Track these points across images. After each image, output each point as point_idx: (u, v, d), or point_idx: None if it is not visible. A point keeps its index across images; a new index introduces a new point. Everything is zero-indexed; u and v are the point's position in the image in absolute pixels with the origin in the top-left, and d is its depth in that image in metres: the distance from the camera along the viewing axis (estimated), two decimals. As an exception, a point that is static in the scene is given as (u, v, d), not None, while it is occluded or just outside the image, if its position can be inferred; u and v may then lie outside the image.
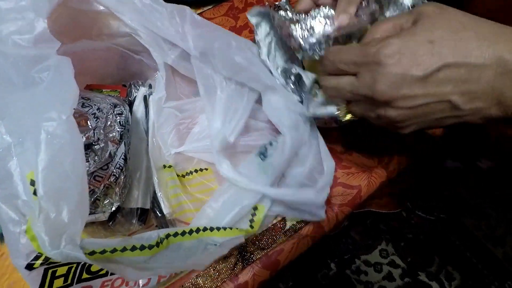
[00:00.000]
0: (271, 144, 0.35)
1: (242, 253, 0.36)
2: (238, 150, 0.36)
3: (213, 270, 0.36)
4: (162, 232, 0.28)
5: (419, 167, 0.49)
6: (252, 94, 0.36)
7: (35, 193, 0.21)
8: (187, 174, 0.39)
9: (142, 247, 0.25)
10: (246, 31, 0.54)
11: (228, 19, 0.55)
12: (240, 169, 0.32)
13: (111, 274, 0.28)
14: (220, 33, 0.36)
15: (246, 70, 0.34)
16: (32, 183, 0.21)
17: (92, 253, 0.23)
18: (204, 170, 0.39)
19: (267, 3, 0.49)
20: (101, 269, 0.27)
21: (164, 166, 0.37)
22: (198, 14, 0.44)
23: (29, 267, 0.22)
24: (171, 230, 0.28)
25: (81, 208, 0.22)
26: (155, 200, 0.36)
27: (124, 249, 0.25)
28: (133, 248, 0.25)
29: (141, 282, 0.31)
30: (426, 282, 1.10)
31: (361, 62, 0.25)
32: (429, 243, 1.15)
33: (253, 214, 0.33)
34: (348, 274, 1.15)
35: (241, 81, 0.35)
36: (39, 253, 0.22)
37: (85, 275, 0.26)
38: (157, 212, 0.35)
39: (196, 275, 0.36)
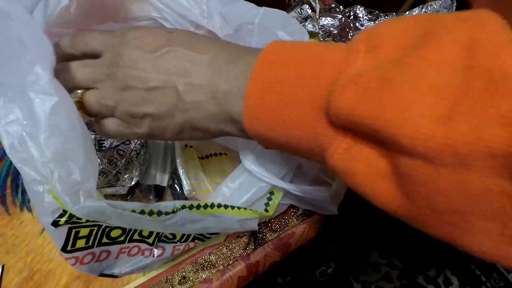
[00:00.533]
0: None
1: (254, 234, 0.37)
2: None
3: (226, 248, 0.37)
4: (178, 203, 0.28)
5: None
6: None
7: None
8: (206, 156, 0.40)
9: (159, 213, 0.26)
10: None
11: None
12: (267, 155, 0.32)
13: (129, 241, 0.29)
14: (256, 9, 0.34)
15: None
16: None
17: None
18: (223, 155, 0.40)
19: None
20: (120, 236, 0.28)
21: (186, 146, 0.38)
22: None
23: (55, 224, 0.23)
24: (186, 202, 0.29)
25: (90, 166, 0.23)
26: (175, 177, 0.37)
27: (142, 212, 0.25)
28: (151, 213, 0.26)
29: (156, 252, 0.32)
30: (424, 285, 1.11)
31: (106, 39, 0.25)
32: (428, 246, 1.16)
33: (269, 198, 0.33)
34: (346, 272, 1.16)
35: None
36: (63, 210, 0.23)
37: (105, 240, 0.27)
38: (177, 189, 0.36)
39: (209, 252, 0.37)
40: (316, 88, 0.18)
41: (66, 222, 0.23)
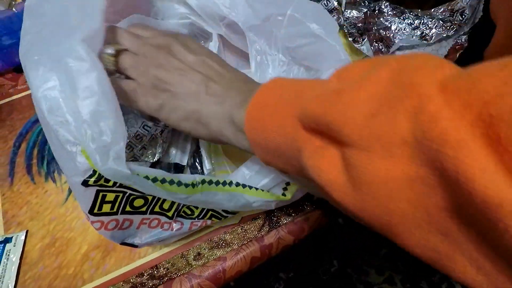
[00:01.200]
0: None
1: (269, 216, 0.38)
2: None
3: (241, 229, 0.38)
4: (199, 177, 0.29)
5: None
6: (306, 75, 0.37)
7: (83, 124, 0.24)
8: None
9: (179, 183, 0.27)
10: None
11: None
12: None
13: (150, 213, 0.30)
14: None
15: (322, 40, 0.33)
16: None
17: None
18: None
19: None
20: (142, 206, 0.29)
21: None
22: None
23: (85, 183, 0.24)
24: (206, 177, 0.30)
25: (120, 129, 0.25)
26: (196, 156, 0.38)
27: (163, 180, 0.27)
28: (171, 182, 0.27)
29: (174, 226, 0.33)
30: (427, 290, 1.10)
31: (161, 33, 0.31)
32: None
33: (287, 183, 0.34)
34: (349, 272, 1.16)
35: (310, 56, 0.35)
36: (93, 171, 0.24)
37: (128, 208, 0.28)
38: (197, 168, 0.37)
39: (224, 232, 0.38)
40: (295, 100, 0.23)
41: (95, 182, 0.25)
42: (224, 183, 0.31)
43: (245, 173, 0.33)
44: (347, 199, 0.19)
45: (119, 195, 0.27)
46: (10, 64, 0.50)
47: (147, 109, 0.28)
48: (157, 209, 0.31)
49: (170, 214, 0.31)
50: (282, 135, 0.23)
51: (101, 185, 0.25)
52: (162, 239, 0.33)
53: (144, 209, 0.30)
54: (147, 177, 0.25)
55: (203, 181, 0.29)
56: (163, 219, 0.32)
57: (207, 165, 0.36)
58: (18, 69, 0.51)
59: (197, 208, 0.32)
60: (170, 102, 0.28)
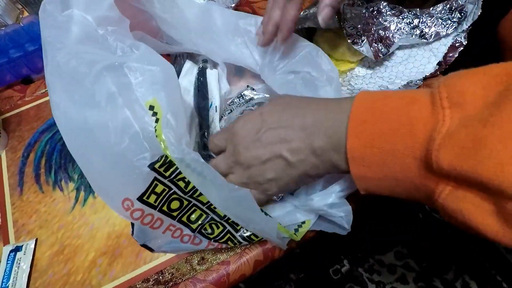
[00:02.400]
0: None
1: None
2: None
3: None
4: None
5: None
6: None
7: (153, 115, 0.27)
8: None
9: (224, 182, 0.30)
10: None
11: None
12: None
13: (178, 220, 0.32)
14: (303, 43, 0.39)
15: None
16: (151, 108, 0.27)
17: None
18: None
19: None
20: (176, 210, 0.31)
21: None
22: None
23: (151, 165, 0.26)
24: None
25: (186, 128, 0.28)
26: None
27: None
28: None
29: (193, 240, 0.34)
30: (441, 288, 1.09)
31: (225, 137, 0.34)
32: (446, 249, 1.13)
33: (300, 226, 0.36)
34: (360, 272, 1.15)
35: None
36: (160, 157, 0.26)
37: (165, 208, 0.30)
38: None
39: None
40: (413, 144, 0.21)
41: (159, 168, 0.27)
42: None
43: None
44: (504, 239, 0.19)
45: (165, 189, 0.29)
46: (18, 76, 0.51)
47: (274, 196, 0.35)
48: (184, 218, 0.32)
49: (194, 226, 0.33)
50: (400, 176, 0.23)
51: (160, 173, 0.27)
52: (177, 250, 0.35)
53: (175, 213, 0.31)
54: (205, 168, 0.28)
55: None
56: (186, 230, 0.33)
57: None
58: (26, 81, 0.52)
59: (218, 227, 0.33)
60: (281, 185, 0.31)
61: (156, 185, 0.28)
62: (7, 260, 0.38)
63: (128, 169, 0.27)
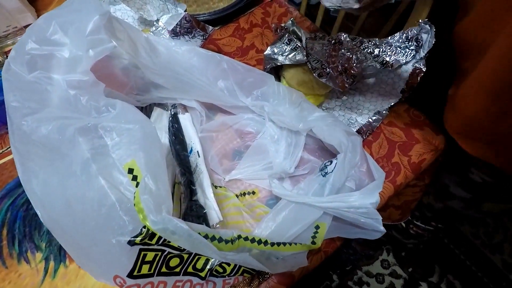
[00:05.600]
0: (330, 162, 0.36)
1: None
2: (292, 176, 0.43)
3: (230, 287, 0.37)
4: (236, 232, 0.30)
5: (427, 181, 0.51)
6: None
7: (133, 179, 0.25)
8: (240, 195, 0.42)
9: (220, 239, 0.28)
10: (252, 51, 0.56)
11: (235, 39, 0.57)
12: (301, 185, 0.35)
13: (183, 274, 0.30)
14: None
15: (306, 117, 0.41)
16: (130, 171, 0.25)
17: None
18: (251, 194, 0.43)
19: (273, 24, 0.52)
20: (177, 266, 0.29)
21: (216, 187, 0.40)
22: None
23: (131, 242, 0.25)
24: (242, 233, 0.30)
25: (168, 189, 0.27)
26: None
27: (206, 236, 0.27)
28: (213, 238, 0.28)
29: (207, 287, 0.32)
30: (428, 291, 1.11)
31: None
32: (429, 252, 1.16)
33: (315, 232, 0.34)
34: (350, 285, 1.15)
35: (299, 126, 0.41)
36: (142, 228, 0.25)
37: (164, 269, 0.28)
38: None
39: (213, 291, 0.36)
40: None
41: (141, 241, 0.25)
42: (259, 242, 0.31)
43: (270, 224, 0.33)
44: None
45: (158, 254, 0.27)
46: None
47: None
48: (190, 269, 0.30)
49: (203, 274, 0.31)
50: None
51: (144, 244, 0.25)
52: None
53: (178, 269, 0.29)
54: (192, 232, 0.26)
55: (239, 236, 0.30)
56: (196, 280, 0.31)
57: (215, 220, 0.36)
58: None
59: (229, 265, 0.31)
60: None
61: (145, 255, 0.26)
62: None
63: (109, 247, 0.25)
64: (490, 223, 1.21)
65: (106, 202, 0.24)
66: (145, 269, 0.26)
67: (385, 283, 1.14)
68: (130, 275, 0.26)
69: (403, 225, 0.86)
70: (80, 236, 0.25)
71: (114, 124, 0.26)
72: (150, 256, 0.26)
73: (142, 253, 0.26)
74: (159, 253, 0.27)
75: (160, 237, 0.25)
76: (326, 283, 1.15)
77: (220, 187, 0.42)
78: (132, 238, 0.24)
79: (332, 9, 0.45)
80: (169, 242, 0.26)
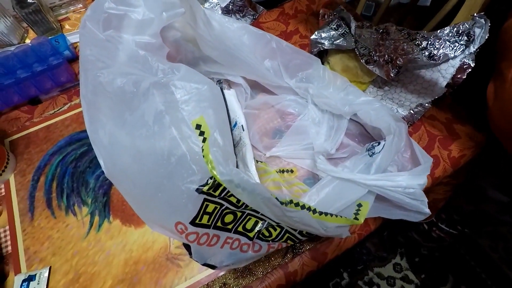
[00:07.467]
0: (378, 143, 0.36)
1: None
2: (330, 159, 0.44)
3: (265, 257, 0.38)
4: (288, 196, 0.31)
5: (460, 180, 0.51)
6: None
7: (200, 134, 0.26)
8: (279, 172, 0.43)
9: (276, 199, 0.29)
10: (296, 36, 0.57)
11: (279, 23, 0.58)
12: (346, 164, 0.35)
13: (234, 232, 0.31)
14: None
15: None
16: (198, 126, 0.26)
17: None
18: (290, 172, 0.43)
19: (321, 10, 0.52)
20: (230, 223, 0.30)
21: (257, 161, 0.41)
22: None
23: (199, 190, 0.26)
24: (294, 199, 0.31)
25: (232, 146, 0.29)
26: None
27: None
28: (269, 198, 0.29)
29: (253, 248, 0.33)
30: (440, 300, 1.09)
31: None
32: (444, 260, 1.15)
33: (358, 210, 0.35)
34: (360, 285, 1.15)
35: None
36: (208, 179, 0.26)
37: (219, 223, 0.30)
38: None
39: (249, 260, 0.38)
40: None
41: (208, 190, 0.26)
42: (309, 208, 0.32)
43: (312, 198, 0.34)
44: None
45: (217, 207, 0.28)
46: (25, 97, 0.50)
47: None
48: (240, 228, 0.31)
49: (251, 235, 0.32)
50: None
51: (209, 194, 0.27)
52: (239, 261, 0.34)
53: (230, 226, 0.31)
54: (256, 186, 0.27)
55: (291, 201, 0.30)
56: (243, 239, 0.32)
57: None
58: (33, 102, 0.51)
59: (275, 230, 0.32)
60: None
61: (207, 205, 0.27)
62: (20, 291, 0.36)
63: (176, 194, 0.26)
64: (510, 238, 1.18)
65: (177, 152, 0.26)
66: (205, 219, 0.28)
67: (396, 286, 1.13)
68: (193, 222, 0.27)
69: (426, 226, 0.85)
70: (146, 184, 0.27)
71: (184, 83, 0.28)
72: (210, 207, 0.28)
73: (205, 203, 0.27)
74: (218, 206, 0.28)
75: (223, 190, 0.27)
76: (336, 280, 1.16)
77: (261, 162, 0.43)
78: (200, 187, 0.26)
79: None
80: (229, 196, 0.27)
